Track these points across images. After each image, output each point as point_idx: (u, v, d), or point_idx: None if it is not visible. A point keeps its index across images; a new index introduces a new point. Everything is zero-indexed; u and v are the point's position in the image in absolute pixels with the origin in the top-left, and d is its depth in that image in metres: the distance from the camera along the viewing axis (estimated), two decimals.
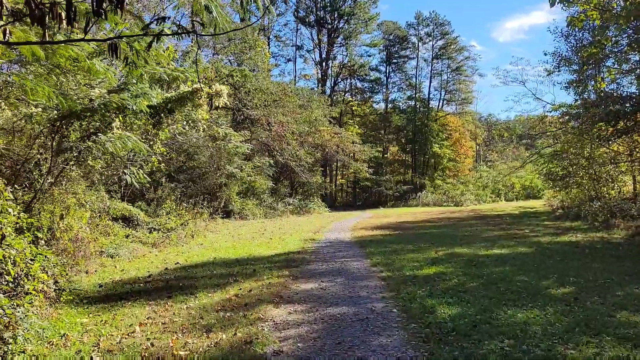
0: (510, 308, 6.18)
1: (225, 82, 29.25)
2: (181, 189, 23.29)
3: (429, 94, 55.39)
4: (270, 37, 47.65)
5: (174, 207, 19.62)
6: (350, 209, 44.22)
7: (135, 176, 11.21)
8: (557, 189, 29.83)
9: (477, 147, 68.25)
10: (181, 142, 23.89)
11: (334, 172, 50.47)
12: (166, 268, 9.93)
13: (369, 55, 53.04)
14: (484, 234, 16.80)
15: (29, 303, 5.06)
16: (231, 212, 26.87)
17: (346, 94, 54.89)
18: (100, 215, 15.18)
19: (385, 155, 54.24)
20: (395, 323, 5.74)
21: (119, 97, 10.15)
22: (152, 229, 16.53)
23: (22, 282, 5.36)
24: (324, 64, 48.82)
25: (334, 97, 50.45)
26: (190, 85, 12.61)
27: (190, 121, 13.91)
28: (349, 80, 53.61)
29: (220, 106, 12.69)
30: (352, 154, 42.33)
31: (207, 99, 12.65)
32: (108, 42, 3.62)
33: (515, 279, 8.00)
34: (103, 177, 11.99)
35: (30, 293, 5.25)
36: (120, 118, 11.33)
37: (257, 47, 32.97)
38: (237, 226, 22.91)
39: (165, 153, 18.54)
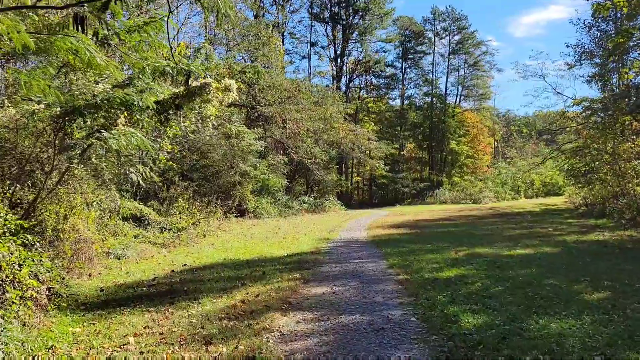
0: (541, 317, 5.60)
1: (239, 79, 28.88)
2: (194, 188, 22.96)
3: (445, 89, 54.55)
4: (285, 34, 47.22)
5: (186, 206, 19.27)
6: (366, 207, 43.62)
7: (142, 175, 10.77)
8: (580, 185, 28.98)
9: (496, 143, 67.11)
10: (194, 140, 23.57)
11: (350, 170, 49.89)
12: (172, 270, 9.49)
13: (385, 51, 52.37)
14: (506, 232, 16.13)
15: (12, 312, 4.62)
16: (245, 210, 26.45)
17: (361, 91, 54.22)
18: (110, 215, 14.90)
19: (402, 153, 53.49)
20: (415, 334, 5.19)
21: (123, 92, 9.72)
22: (164, 229, 16.18)
23: (7, 289, 4.93)
24: (338, 60, 48.23)
25: (349, 94, 49.82)
26: (200, 80, 12.19)
27: (199, 118, 13.45)
28: (364, 77, 52.96)
29: (230, 101, 12.21)
30: (368, 151, 41.68)
31: (217, 95, 12.19)
32: (72, 12, 3.17)
33: (543, 283, 7.40)
34: (111, 176, 11.60)
35: (15, 302, 4.81)
36: (126, 114, 10.93)
37: (271, 43, 32.52)
38: (251, 225, 22.51)
39: (176, 151, 18.18)
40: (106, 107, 9.75)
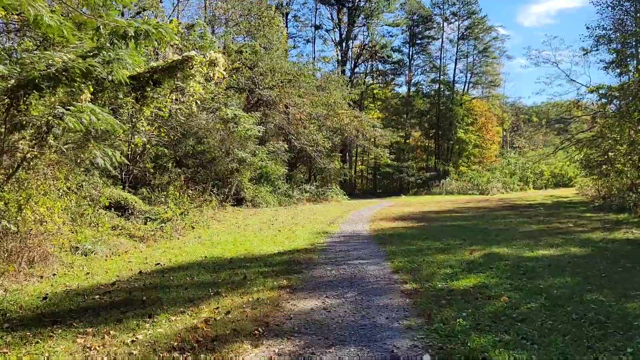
0: (600, 354, 4.18)
1: (238, 62, 27.38)
2: (189, 175, 21.59)
3: (454, 76, 52.77)
4: (289, 17, 45.55)
5: (178, 194, 17.91)
6: (370, 196, 42.21)
7: (111, 159, 9.37)
8: (595, 177, 27.53)
9: (504, 132, 65.34)
10: (190, 125, 22.17)
11: (354, 158, 48.38)
12: (141, 272, 8.11)
13: (391, 36, 50.49)
14: (521, 228, 14.69)
15: None
16: (243, 199, 25.06)
17: (367, 77, 52.52)
18: (91, 204, 13.58)
19: (407, 141, 51.86)
20: None
21: (86, 62, 8.28)
22: (148, 219, 14.83)
23: None
24: (343, 44, 46.50)
25: (354, 80, 48.17)
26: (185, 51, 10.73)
27: (182, 96, 12.01)
28: (369, 62, 51.22)
29: (217, 77, 10.78)
30: (372, 139, 40.14)
31: (202, 70, 10.74)
32: None
33: (587, 299, 5.97)
34: (76, 159, 10.22)
35: None
36: (91, 89, 9.50)
37: (273, 25, 30.89)
38: (247, 215, 21.13)
39: (163, 134, 16.76)
40: (65, 79, 8.32)
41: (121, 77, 9.28)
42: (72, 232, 11.67)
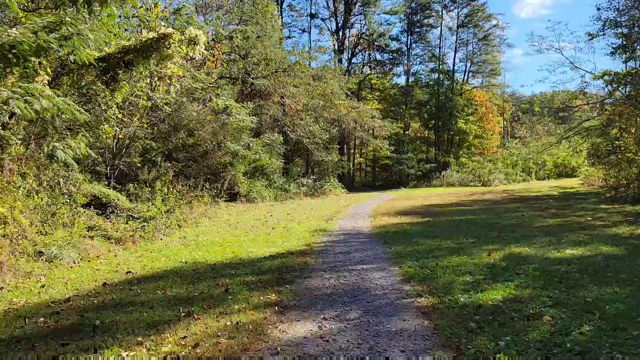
0: None
1: (230, 51, 26.07)
2: (179, 169, 20.33)
3: (453, 65, 51.31)
4: (284, 6, 44.12)
5: (165, 190, 16.66)
6: (369, 189, 40.97)
7: (76, 151, 8.12)
8: (603, 166, 26.41)
9: (505, 122, 64.07)
10: (179, 117, 20.92)
11: (352, 150, 47.05)
12: (105, 283, 6.88)
13: (389, 24, 48.95)
14: (536, 222, 13.50)
15: None
16: (237, 194, 23.79)
17: (364, 67, 51.11)
18: (66, 202, 12.35)
19: (407, 132, 50.52)
20: None
21: (38, 38, 7.02)
22: (131, 217, 13.60)
23: None
24: (340, 33, 45.09)
25: (352, 70, 46.80)
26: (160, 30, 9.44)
27: (159, 80, 10.73)
28: (367, 52, 49.81)
29: (198, 57, 9.50)
30: (371, 130, 38.86)
31: (181, 49, 9.47)
32: None
33: None
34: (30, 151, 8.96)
35: None
36: (49, 70, 8.24)
37: (267, 12, 29.49)
38: (241, 211, 19.92)
39: (145, 125, 15.49)
40: (14, 57, 7.05)
41: (85, 57, 8.04)
42: (42, 234, 10.51)
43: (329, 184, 32.64)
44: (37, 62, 7.66)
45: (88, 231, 11.57)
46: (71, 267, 8.34)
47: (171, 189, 17.13)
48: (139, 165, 18.83)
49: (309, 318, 5.09)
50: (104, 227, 11.84)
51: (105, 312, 5.43)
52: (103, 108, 9.70)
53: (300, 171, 34.07)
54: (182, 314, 5.25)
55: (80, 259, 9.03)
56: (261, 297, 5.84)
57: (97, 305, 5.77)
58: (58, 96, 7.62)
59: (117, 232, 11.65)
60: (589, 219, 13.88)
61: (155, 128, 17.04)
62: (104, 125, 10.17)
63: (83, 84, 8.95)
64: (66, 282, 6.99)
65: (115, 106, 10.24)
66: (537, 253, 8.48)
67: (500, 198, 24.69)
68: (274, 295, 5.96)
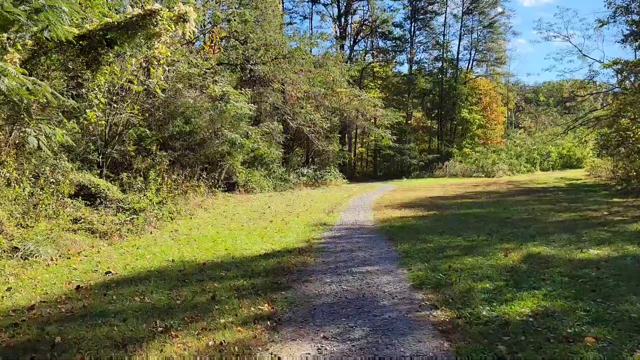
0: None
1: (229, 36, 25.15)
2: (175, 158, 19.55)
3: (457, 53, 50.33)
4: None
5: (159, 180, 15.90)
6: (370, 179, 40.19)
7: (52, 137, 7.33)
8: (615, 158, 25.65)
9: (509, 112, 63.08)
10: (176, 104, 20.12)
11: (353, 140, 46.20)
12: (78, 287, 6.12)
13: (392, 10, 47.90)
14: (549, 217, 12.73)
15: None
16: (235, 184, 22.99)
17: (367, 55, 50.11)
18: (48, 192, 11.62)
19: (409, 122, 49.63)
20: None
21: (2, 8, 6.20)
22: (121, 209, 12.86)
23: None
24: (342, 19, 44.03)
25: (354, 58, 45.82)
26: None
27: (144, 61, 9.90)
28: (370, 39, 48.78)
29: (186, 35, 8.67)
30: (373, 119, 37.99)
31: (169, 27, 8.64)
32: None
33: None
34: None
35: None
36: (19, 47, 7.42)
37: None
38: (238, 202, 19.18)
39: (136, 112, 14.67)
40: None
41: (62, 34, 7.22)
42: (23, 227, 9.78)
43: (329, 174, 31.87)
44: (5, 38, 6.86)
45: (73, 224, 10.84)
46: (47, 266, 7.58)
47: (166, 179, 16.38)
48: (133, 153, 18.09)
49: (306, 337, 4.32)
50: (89, 220, 11.09)
51: (71, 324, 4.68)
52: (84, 91, 8.89)
53: (300, 161, 33.28)
54: (159, 329, 4.49)
55: (59, 256, 8.28)
56: (252, 308, 5.07)
57: (64, 315, 5.01)
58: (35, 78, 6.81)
59: (103, 225, 10.90)
60: (605, 213, 13.11)
61: (146, 114, 16.23)
62: (86, 110, 9.33)
63: (69, 66, 8.14)
64: (36, 285, 6.24)
65: (97, 89, 9.46)
66: (559, 253, 7.72)
67: (506, 190, 23.91)
68: (266, 306, 5.18)
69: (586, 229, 10.36)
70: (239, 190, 22.89)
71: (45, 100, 6.64)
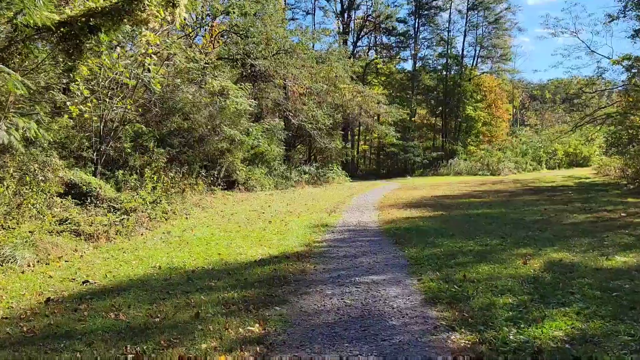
0: None
1: (229, 29, 24.46)
2: (173, 155, 18.90)
3: (462, 50, 49.43)
4: None
5: (155, 178, 15.24)
6: (373, 177, 39.49)
7: (26, 132, 6.66)
8: (625, 156, 24.95)
9: (514, 109, 62.22)
10: (174, 99, 19.47)
11: (356, 137, 45.46)
12: (49, 299, 5.46)
13: (396, 5, 47.03)
14: (564, 218, 12.04)
15: None
16: (235, 182, 22.32)
17: (370, 51, 49.30)
18: (34, 191, 10.98)
19: (413, 119, 48.83)
20: None
21: None
22: (112, 208, 12.21)
23: None
24: (345, 15, 43.29)
25: (357, 54, 45.02)
26: None
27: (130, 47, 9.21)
28: (373, 35, 47.95)
29: (178, 22, 7.99)
30: (376, 116, 37.25)
31: (158, 13, 7.95)
32: None
33: None
34: None
35: None
36: None
37: None
38: (238, 200, 18.52)
39: (128, 106, 13.99)
40: None
41: (39, 19, 6.57)
42: (4, 229, 9.12)
43: (332, 171, 31.16)
44: None
45: (59, 225, 10.19)
46: (22, 273, 6.92)
47: (162, 177, 15.72)
48: (129, 150, 17.46)
49: None
50: (77, 221, 10.42)
51: (27, 349, 4.01)
52: (65, 82, 8.23)
53: (302, 158, 32.59)
54: (129, 356, 3.81)
55: (38, 261, 7.62)
56: (240, 329, 4.38)
57: (23, 336, 4.35)
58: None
59: (90, 226, 10.23)
60: (622, 215, 12.41)
61: (140, 109, 15.58)
62: (66, 103, 8.65)
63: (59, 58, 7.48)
64: (2, 297, 5.58)
65: (80, 80, 8.78)
66: (582, 261, 7.02)
67: (514, 189, 23.20)
68: (257, 325, 4.49)
69: (606, 232, 9.67)
70: (239, 189, 22.24)
71: (17, 91, 5.97)
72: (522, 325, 4.36)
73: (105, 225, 10.38)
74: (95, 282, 6.27)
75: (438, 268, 6.73)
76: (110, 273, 6.74)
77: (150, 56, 9.37)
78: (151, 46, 8.76)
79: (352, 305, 5.17)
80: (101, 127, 14.83)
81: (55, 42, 7.70)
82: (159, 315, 4.84)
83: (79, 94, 8.91)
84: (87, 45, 7.79)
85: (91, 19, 7.73)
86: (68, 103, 8.68)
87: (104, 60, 10.74)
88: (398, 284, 6.02)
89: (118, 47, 8.85)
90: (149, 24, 7.86)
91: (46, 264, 7.52)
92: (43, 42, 7.65)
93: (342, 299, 5.39)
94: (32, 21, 6.74)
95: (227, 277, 6.41)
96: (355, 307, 5.10)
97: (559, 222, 11.36)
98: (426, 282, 6.02)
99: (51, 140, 13.83)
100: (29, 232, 8.94)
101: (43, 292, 5.82)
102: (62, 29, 7.70)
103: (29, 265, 7.40)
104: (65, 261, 7.72)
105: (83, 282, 6.26)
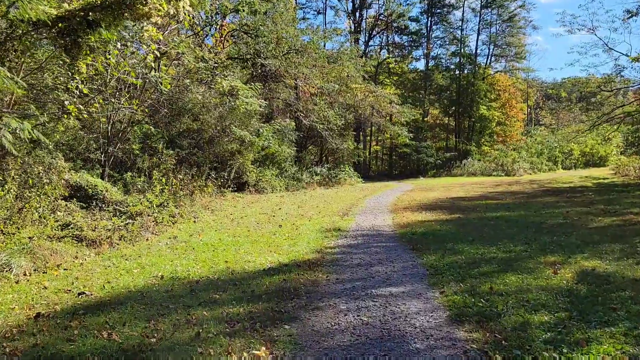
0: None
1: (239, 29, 24.10)
2: (183, 156, 18.54)
3: (476, 48, 48.64)
4: None
5: (164, 180, 14.88)
6: (385, 178, 38.93)
7: (17, 132, 6.24)
8: None
9: (529, 109, 61.24)
10: (184, 100, 19.16)
11: (368, 137, 44.91)
12: (39, 314, 5.03)
13: (409, 4, 46.43)
14: (589, 222, 11.43)
15: None
16: (245, 184, 21.90)
17: (382, 50, 48.71)
18: (38, 194, 10.65)
19: (426, 119, 48.16)
20: None
21: None
22: (118, 212, 11.85)
23: None
24: (357, 14, 42.78)
25: (369, 54, 44.46)
26: None
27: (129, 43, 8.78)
28: (385, 34, 47.39)
29: (182, 16, 7.55)
30: (388, 116, 36.66)
31: (161, 6, 7.51)
32: None
33: None
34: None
35: None
36: None
37: None
38: (248, 203, 18.08)
39: (135, 107, 13.60)
40: None
41: (34, 14, 6.18)
42: (3, 234, 8.77)
43: (343, 172, 30.66)
44: None
45: (61, 230, 9.82)
46: (16, 282, 6.52)
47: (171, 178, 15.35)
48: (138, 152, 17.13)
49: None
50: (79, 225, 10.02)
51: None
52: (61, 80, 7.83)
53: (314, 159, 32.09)
54: None
55: (34, 270, 7.22)
56: (244, 354, 3.90)
57: (5, 359, 3.90)
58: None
59: (94, 231, 9.84)
60: None
61: (147, 109, 15.21)
62: (64, 102, 8.24)
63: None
64: None
65: (78, 77, 8.38)
66: (618, 270, 6.47)
67: (531, 190, 22.53)
68: (264, 348, 4.01)
69: (637, 237, 9.08)
70: (250, 190, 21.83)
71: (6, 89, 5.55)
72: (564, 350, 3.84)
73: (109, 230, 9.98)
74: (91, 294, 5.84)
75: (461, 279, 6.21)
76: (109, 284, 6.31)
77: (153, 52, 8.92)
78: (159, 46, 8.32)
79: (369, 323, 4.67)
80: (109, 128, 14.51)
81: (52, 38, 7.29)
82: (155, 334, 4.39)
83: (78, 93, 8.48)
84: (87, 41, 7.35)
85: (90, 14, 7.32)
86: (66, 102, 8.26)
87: (109, 59, 10.37)
88: (419, 297, 5.51)
89: (119, 44, 8.38)
90: (151, 19, 7.42)
91: (43, 273, 7.12)
92: (46, 40, 7.23)
93: (358, 315, 4.89)
94: (27, 16, 6.35)
95: (233, 289, 5.95)
96: (373, 325, 4.60)
97: (584, 226, 10.77)
98: (449, 295, 5.50)
99: (57, 141, 13.56)
100: (28, 238, 8.58)
101: (35, 305, 5.40)
102: (59, 25, 7.30)
103: (25, 274, 7.01)
104: (64, 269, 7.31)
105: (79, 294, 5.83)
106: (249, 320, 4.73)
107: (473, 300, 5.25)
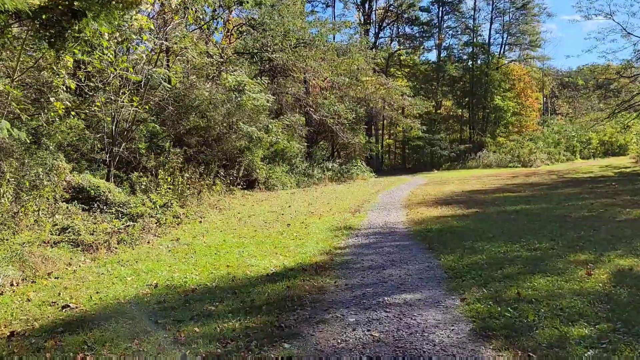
0: None
1: (245, 22, 23.57)
2: (190, 155, 18.09)
3: (489, 37, 47.67)
4: None
5: (170, 179, 14.43)
6: (399, 172, 38.23)
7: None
8: None
9: (545, 98, 59.95)
10: (190, 97, 18.70)
11: (380, 131, 44.19)
12: (13, 333, 4.52)
13: None
14: (616, 214, 10.74)
15: None
16: (255, 181, 21.40)
17: (392, 42, 47.90)
18: (34, 195, 10.23)
19: (439, 111, 47.30)
20: None
21: None
22: (120, 213, 11.38)
23: None
24: (366, 5, 41.99)
25: (379, 46, 43.68)
26: None
27: (120, 35, 8.26)
28: (395, 25, 46.54)
29: (172, 2, 7.00)
30: (400, 109, 35.92)
31: None
32: None
33: None
34: None
35: None
36: None
37: None
38: (257, 200, 17.57)
39: (135, 104, 13.11)
40: None
41: (12, 4, 5.68)
42: None
43: (356, 167, 30.05)
44: None
45: (59, 234, 9.36)
46: (1, 294, 6.02)
47: (178, 177, 14.88)
48: (144, 151, 16.71)
49: None
50: (78, 229, 9.55)
51: None
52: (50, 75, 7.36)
53: (325, 155, 31.52)
54: None
55: (23, 279, 6.74)
56: None
57: None
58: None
59: (92, 235, 9.35)
60: None
61: (149, 106, 14.74)
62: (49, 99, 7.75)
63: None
64: None
65: (64, 71, 7.89)
66: None
67: (550, 181, 21.74)
68: None
69: None
70: (259, 188, 21.33)
71: None
72: None
73: (108, 233, 9.50)
74: (76, 307, 5.33)
75: (483, 282, 5.59)
76: (98, 294, 5.79)
77: (152, 49, 8.39)
78: (162, 41, 7.79)
79: (381, 340, 4.07)
80: (113, 127, 14.06)
81: (36, 30, 6.78)
82: (136, 358, 3.84)
83: (64, 88, 7.98)
84: (72, 33, 6.83)
85: (75, 2, 6.79)
86: (52, 99, 7.76)
87: (107, 55, 9.87)
88: (437, 305, 4.91)
89: (114, 38, 7.87)
90: (140, 6, 6.87)
91: (32, 282, 6.63)
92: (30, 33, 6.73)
93: (368, 330, 4.30)
94: (5, 6, 5.83)
95: (231, 298, 5.40)
96: (386, 343, 4.00)
97: (613, 219, 10.07)
98: (471, 303, 4.89)
99: (60, 142, 13.14)
100: (21, 244, 8.11)
101: (12, 322, 4.89)
102: (43, 15, 6.78)
103: (11, 284, 6.52)
104: (55, 278, 6.82)
105: (63, 307, 5.32)
106: (245, 338, 4.16)
107: (499, 309, 4.63)
